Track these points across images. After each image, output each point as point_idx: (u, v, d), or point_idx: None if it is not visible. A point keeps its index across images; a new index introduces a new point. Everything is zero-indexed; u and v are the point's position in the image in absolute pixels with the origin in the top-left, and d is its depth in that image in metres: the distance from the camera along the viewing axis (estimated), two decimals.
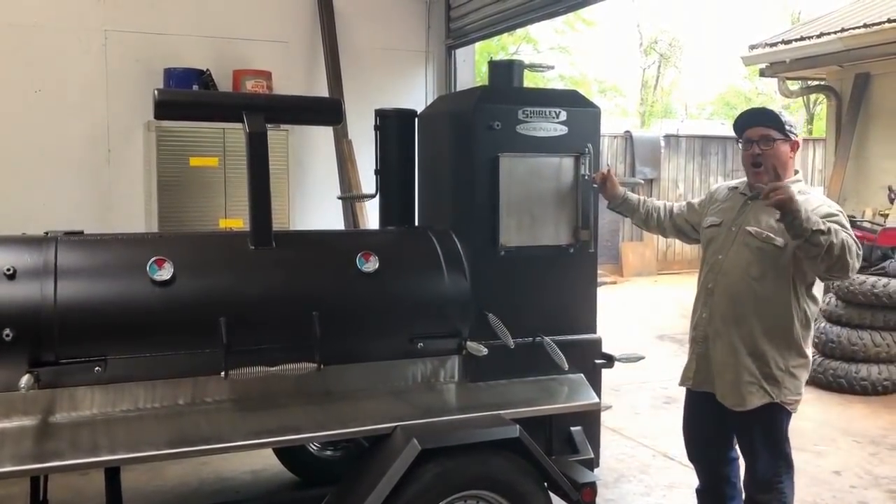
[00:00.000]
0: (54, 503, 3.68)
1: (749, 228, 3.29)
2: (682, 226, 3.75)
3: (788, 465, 3.41)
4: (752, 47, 10.20)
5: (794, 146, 3.29)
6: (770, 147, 3.22)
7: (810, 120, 22.16)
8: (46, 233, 3.24)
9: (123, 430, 2.96)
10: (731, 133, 3.57)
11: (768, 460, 3.36)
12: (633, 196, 3.83)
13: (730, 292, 3.31)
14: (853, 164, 9.16)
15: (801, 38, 9.44)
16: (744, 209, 3.37)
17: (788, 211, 2.90)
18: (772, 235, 3.20)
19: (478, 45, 7.97)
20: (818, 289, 3.36)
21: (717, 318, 3.36)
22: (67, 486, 4.28)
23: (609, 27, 28.29)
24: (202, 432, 3.00)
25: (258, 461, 4.78)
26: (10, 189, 5.97)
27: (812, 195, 3.27)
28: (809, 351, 3.34)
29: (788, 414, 3.34)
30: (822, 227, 2.92)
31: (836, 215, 3.11)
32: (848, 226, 3.10)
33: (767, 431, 3.33)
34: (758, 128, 3.25)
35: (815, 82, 10.42)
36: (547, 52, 20.42)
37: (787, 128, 3.24)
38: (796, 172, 3.37)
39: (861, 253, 3.05)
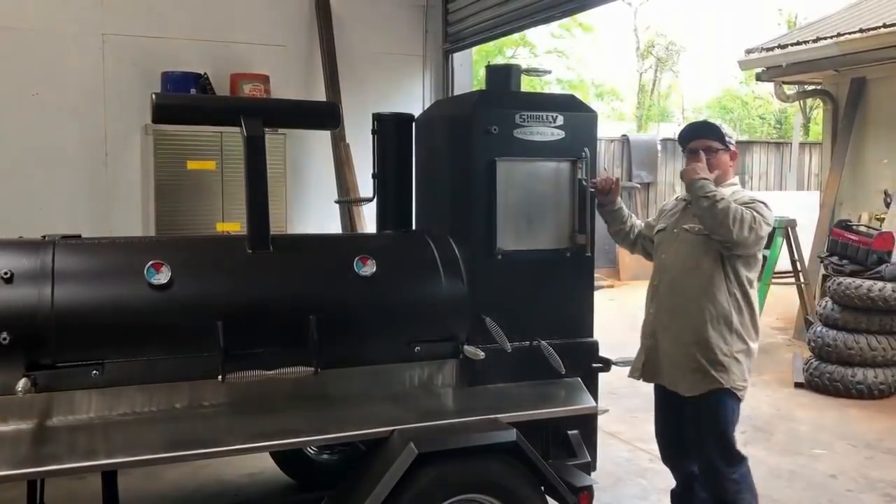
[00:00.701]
0: None
1: (685, 226, 3.55)
2: (644, 243, 3.93)
3: (739, 458, 3.51)
4: (749, 51, 10.22)
5: (733, 155, 3.63)
6: (713, 156, 3.53)
7: (807, 124, 22.21)
8: (44, 236, 3.24)
9: (121, 433, 2.96)
10: None
11: (714, 445, 3.48)
12: (626, 209, 3.95)
13: (672, 286, 3.56)
14: (849, 168, 9.18)
15: (798, 43, 9.46)
16: (684, 212, 3.64)
17: (688, 180, 3.43)
18: (701, 227, 3.46)
19: (475, 49, 7.98)
20: (753, 274, 3.53)
21: (662, 312, 3.59)
22: (64, 489, 4.27)
23: (606, 31, 28.39)
24: (199, 436, 3.00)
25: (256, 465, 4.77)
26: (8, 192, 5.97)
27: (742, 191, 3.57)
28: (752, 337, 3.50)
29: (738, 400, 3.49)
30: (711, 195, 3.32)
31: (754, 203, 3.40)
32: (764, 213, 3.38)
33: (714, 416, 3.47)
34: (702, 139, 3.57)
35: (812, 87, 10.45)
36: (544, 56, 20.49)
37: (727, 139, 3.59)
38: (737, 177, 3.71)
39: (757, 228, 3.32)
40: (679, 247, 3.57)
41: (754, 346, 3.51)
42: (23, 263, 2.97)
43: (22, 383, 2.76)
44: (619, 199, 3.90)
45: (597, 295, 3.86)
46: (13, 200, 5.95)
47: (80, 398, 3.00)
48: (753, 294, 3.51)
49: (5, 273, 2.91)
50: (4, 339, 2.83)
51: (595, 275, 3.82)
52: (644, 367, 3.68)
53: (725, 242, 3.36)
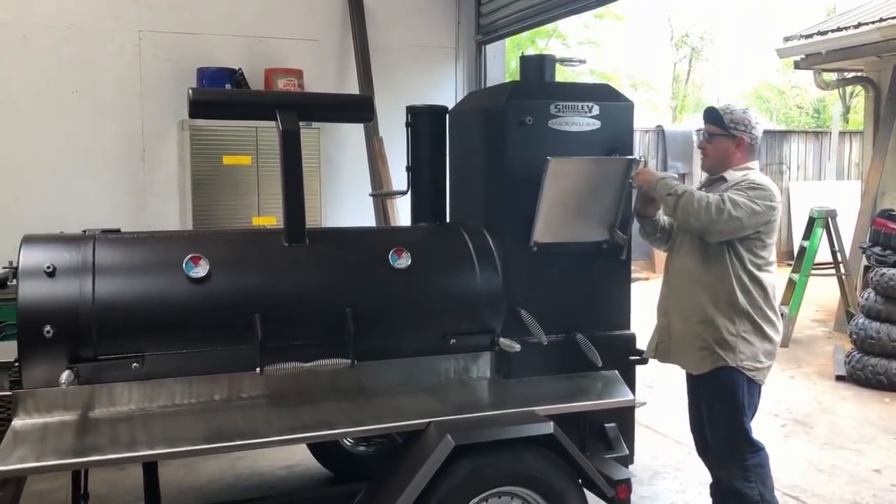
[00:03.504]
0: (93, 497, 3.74)
1: None
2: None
3: (753, 446, 3.47)
4: (787, 39, 10.03)
5: (740, 142, 3.52)
6: (711, 141, 3.54)
7: (847, 112, 21.75)
8: (84, 231, 3.29)
9: (161, 425, 3.00)
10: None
11: (724, 426, 3.46)
12: (660, 215, 3.86)
13: (680, 268, 3.58)
14: (892, 157, 8.96)
15: (839, 29, 9.25)
16: None
17: (645, 185, 3.50)
18: (679, 224, 3.48)
19: (507, 40, 7.93)
20: (765, 255, 3.46)
21: (672, 294, 3.61)
22: (105, 480, 4.35)
23: (639, 21, 28.02)
24: (238, 428, 3.02)
25: (293, 457, 4.81)
26: (49, 189, 6.08)
27: (753, 174, 3.50)
28: (767, 322, 3.44)
29: (751, 382, 3.43)
30: (673, 191, 3.36)
31: (745, 185, 3.36)
32: (763, 199, 3.31)
33: (724, 395, 3.44)
34: (706, 123, 3.59)
35: (853, 74, 10.22)
36: (576, 47, 20.30)
37: (731, 125, 3.50)
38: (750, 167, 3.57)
39: (728, 209, 3.26)
40: (688, 231, 3.56)
41: (768, 328, 3.45)
42: (64, 258, 3.02)
43: (65, 375, 2.81)
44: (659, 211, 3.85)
45: (634, 287, 3.83)
46: (54, 196, 6.06)
47: (121, 390, 3.04)
48: (765, 276, 3.46)
49: (48, 267, 2.96)
50: (48, 332, 2.87)
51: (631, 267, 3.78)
52: (658, 348, 3.68)
53: (699, 232, 3.37)
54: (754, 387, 3.46)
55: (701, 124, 3.61)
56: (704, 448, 3.73)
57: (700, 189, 3.64)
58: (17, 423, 2.89)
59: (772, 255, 3.51)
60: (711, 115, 3.56)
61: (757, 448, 3.49)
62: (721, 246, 3.40)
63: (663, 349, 3.65)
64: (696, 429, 3.75)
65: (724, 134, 3.51)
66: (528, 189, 3.48)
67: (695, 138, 13.97)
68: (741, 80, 29.90)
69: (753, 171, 3.55)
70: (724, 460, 3.50)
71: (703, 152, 3.62)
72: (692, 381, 3.64)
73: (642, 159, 3.57)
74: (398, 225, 6.43)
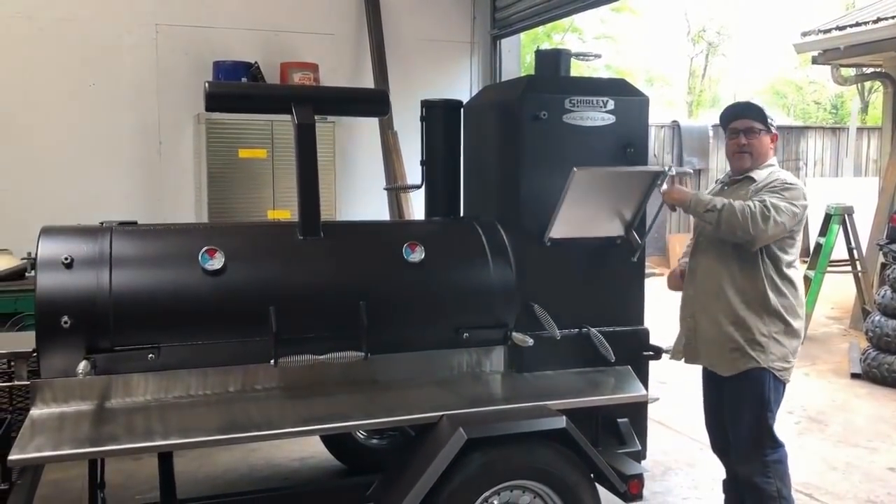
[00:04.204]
0: (109, 486, 3.78)
1: None
2: None
3: (775, 442, 3.46)
4: (805, 34, 9.95)
5: (774, 138, 3.55)
6: (754, 137, 3.48)
7: (865, 108, 21.55)
8: (101, 223, 3.32)
9: (176, 416, 3.02)
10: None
11: (749, 425, 3.45)
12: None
13: (708, 269, 3.53)
14: None
15: (857, 24, 9.18)
16: (720, 194, 3.59)
17: (678, 203, 3.42)
18: (722, 238, 3.41)
19: (523, 34, 7.91)
20: (793, 254, 3.46)
21: (700, 294, 3.56)
22: (120, 470, 4.39)
23: (656, 16, 27.86)
24: (252, 419, 3.04)
25: (306, 449, 4.84)
26: (66, 181, 6.13)
27: (780, 172, 3.50)
28: (796, 318, 3.44)
29: (778, 382, 3.42)
30: (711, 206, 3.30)
31: (779, 186, 3.35)
32: (789, 198, 3.29)
33: (752, 395, 3.43)
34: (744, 119, 3.52)
35: (871, 69, 10.13)
36: (592, 41, 20.22)
37: (769, 121, 3.50)
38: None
39: (774, 216, 3.22)
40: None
41: (797, 326, 3.45)
42: (82, 249, 3.05)
43: (82, 366, 2.83)
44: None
45: (648, 283, 3.82)
46: (71, 189, 6.11)
47: (137, 381, 3.06)
48: (794, 273, 3.46)
49: (66, 259, 2.99)
50: (66, 322, 2.91)
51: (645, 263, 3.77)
52: (685, 349, 3.66)
53: (746, 244, 3.32)
54: (780, 385, 3.45)
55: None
56: (720, 445, 3.73)
57: (724, 189, 3.63)
58: (35, 412, 2.92)
59: (798, 250, 3.52)
60: (755, 111, 3.51)
61: (778, 444, 3.48)
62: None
63: (691, 350, 3.62)
64: (713, 426, 3.75)
65: (765, 130, 3.49)
66: (543, 183, 3.48)
67: (710, 133, 13.91)
68: (758, 75, 29.68)
69: (778, 168, 3.53)
70: (746, 456, 3.49)
71: (746, 149, 3.50)
72: (714, 379, 3.60)
73: (670, 170, 3.47)
74: (412, 219, 6.44)
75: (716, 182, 3.83)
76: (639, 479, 3.28)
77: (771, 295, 3.38)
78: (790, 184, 3.39)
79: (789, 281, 3.43)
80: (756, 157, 3.50)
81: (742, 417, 3.48)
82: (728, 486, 3.77)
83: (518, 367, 3.52)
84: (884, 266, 7.42)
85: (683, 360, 3.68)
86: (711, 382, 3.66)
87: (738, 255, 3.40)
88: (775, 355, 3.40)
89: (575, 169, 3.27)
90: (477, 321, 3.47)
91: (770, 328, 3.39)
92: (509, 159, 3.58)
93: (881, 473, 4.81)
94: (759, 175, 3.46)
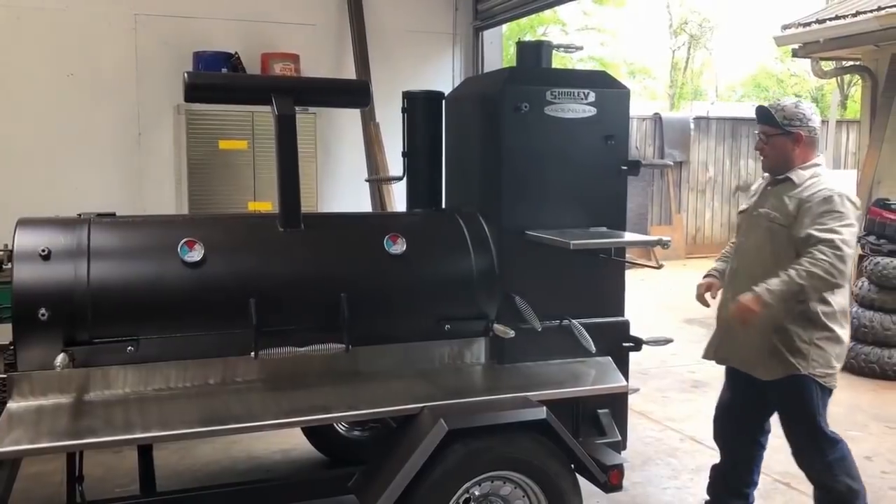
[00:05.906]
0: (88, 480, 3.76)
1: (761, 210, 3.49)
2: None
3: (832, 441, 3.45)
4: (785, 27, 10.00)
5: (798, 138, 3.41)
6: (768, 141, 3.46)
7: (844, 101, 21.74)
8: (79, 215, 3.29)
9: (156, 408, 3.01)
10: None
11: (805, 434, 3.44)
12: (722, 266, 3.80)
13: (749, 272, 3.46)
14: (888, 146, 8.96)
15: (836, 17, 9.23)
16: (763, 194, 3.57)
17: (757, 316, 3.23)
18: (777, 215, 3.40)
19: (505, 26, 7.90)
20: None
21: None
22: (100, 463, 4.37)
23: (638, 8, 27.92)
24: (233, 411, 3.03)
25: (288, 441, 4.83)
26: (44, 172, 6.06)
27: (821, 182, 3.36)
28: (840, 324, 3.41)
29: (823, 388, 3.39)
30: (786, 290, 3.17)
31: (837, 216, 3.22)
32: (846, 220, 3.22)
33: (800, 405, 3.41)
34: (759, 124, 3.51)
35: (850, 63, 10.20)
36: (575, 33, 20.25)
37: (785, 122, 3.41)
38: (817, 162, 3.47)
39: (842, 250, 3.17)
40: (756, 232, 3.51)
41: (841, 332, 3.40)
42: (59, 241, 3.02)
43: (60, 358, 2.81)
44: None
45: (627, 274, 3.83)
46: (49, 180, 6.04)
47: (116, 373, 3.05)
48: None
49: (43, 251, 2.96)
50: (43, 314, 2.88)
51: (627, 254, 3.79)
52: (718, 350, 3.64)
53: (838, 287, 3.28)
54: (826, 391, 3.41)
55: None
56: (724, 437, 3.75)
57: (767, 188, 3.54)
58: (13, 405, 2.90)
59: None
60: (763, 115, 3.47)
61: (836, 442, 3.46)
62: (792, 250, 3.32)
63: (724, 353, 3.61)
64: (725, 421, 3.74)
65: (779, 133, 3.42)
66: (524, 175, 3.49)
67: (692, 126, 13.97)
68: (739, 68, 29.85)
69: (823, 175, 3.40)
70: (809, 462, 3.48)
71: (762, 153, 3.52)
72: (748, 381, 3.54)
73: (667, 246, 3.33)
74: (394, 211, 6.43)
75: (761, 178, 3.72)
76: (619, 469, 3.30)
77: (812, 302, 3.33)
78: (838, 210, 3.25)
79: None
80: (775, 160, 3.45)
81: (794, 428, 3.48)
82: (718, 471, 3.79)
83: (499, 358, 3.54)
84: (861, 258, 7.50)
85: (714, 360, 3.67)
86: (740, 382, 3.60)
87: (780, 259, 3.34)
88: (817, 362, 3.35)
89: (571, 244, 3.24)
90: (458, 313, 3.47)
91: (811, 335, 3.34)
92: (491, 151, 3.58)
93: (859, 462, 4.80)
94: (800, 177, 3.38)
